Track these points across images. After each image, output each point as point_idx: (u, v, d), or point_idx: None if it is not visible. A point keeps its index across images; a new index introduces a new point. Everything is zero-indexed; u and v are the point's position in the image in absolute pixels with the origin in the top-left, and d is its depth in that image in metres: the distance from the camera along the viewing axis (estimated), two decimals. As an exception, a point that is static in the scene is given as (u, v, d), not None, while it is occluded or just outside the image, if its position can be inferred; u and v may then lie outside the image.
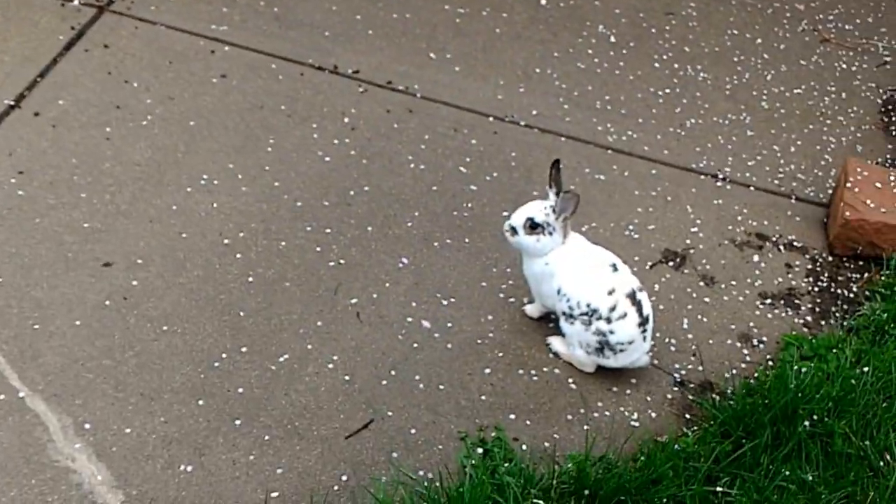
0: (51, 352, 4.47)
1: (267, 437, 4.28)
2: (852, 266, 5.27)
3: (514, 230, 4.56)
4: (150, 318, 4.65)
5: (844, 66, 6.51)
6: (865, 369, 4.53)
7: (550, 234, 4.51)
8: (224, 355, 4.54)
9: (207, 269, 4.88)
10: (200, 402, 4.36)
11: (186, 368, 4.48)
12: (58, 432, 4.21)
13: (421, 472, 4.22)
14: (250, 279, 4.86)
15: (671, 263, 5.16)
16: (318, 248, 5.03)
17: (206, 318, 4.68)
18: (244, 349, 4.57)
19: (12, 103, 5.53)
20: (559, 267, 4.54)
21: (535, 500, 3.98)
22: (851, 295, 5.13)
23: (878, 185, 5.28)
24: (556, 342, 4.71)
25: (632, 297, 4.47)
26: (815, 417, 4.34)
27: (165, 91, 5.76)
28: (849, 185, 5.27)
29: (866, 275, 5.22)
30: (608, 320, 4.46)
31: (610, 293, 4.45)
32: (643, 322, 4.49)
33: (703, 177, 5.66)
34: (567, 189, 4.46)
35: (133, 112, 5.61)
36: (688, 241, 5.28)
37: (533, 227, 4.51)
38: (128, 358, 4.48)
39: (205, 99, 5.75)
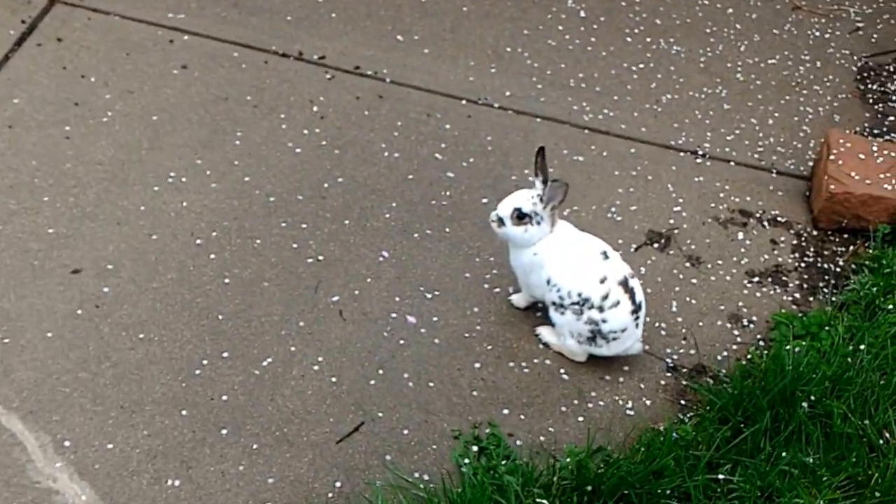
0: (23, 366, 4.29)
1: (255, 446, 4.14)
2: (837, 239, 5.19)
3: (500, 221, 4.42)
4: (124, 326, 4.48)
5: (817, 33, 6.41)
6: (861, 347, 4.45)
7: (538, 223, 4.39)
8: (205, 362, 4.39)
9: (181, 272, 4.71)
10: (184, 413, 4.21)
11: (166, 378, 4.32)
12: (36, 451, 4.04)
13: (416, 474, 4.09)
14: (227, 280, 4.69)
15: (656, 245, 5.06)
16: (295, 245, 4.87)
17: (184, 324, 4.51)
18: (225, 354, 4.42)
19: (-35, 104, 5.34)
20: (548, 257, 4.42)
21: (538, 500, 3.87)
22: (838, 269, 5.05)
23: (862, 156, 5.20)
24: (545, 332, 4.60)
25: (624, 284, 4.36)
26: (812, 398, 4.26)
27: (124, 85, 5.56)
28: (832, 157, 5.18)
29: (851, 248, 5.14)
30: (600, 309, 4.35)
31: (602, 281, 4.34)
32: (636, 309, 4.39)
33: (682, 154, 5.55)
34: (555, 178, 4.34)
35: (92, 108, 5.41)
36: (671, 221, 5.17)
37: (520, 217, 4.38)
38: (104, 369, 4.32)
39: (166, 92, 5.55)
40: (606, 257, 4.39)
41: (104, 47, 5.75)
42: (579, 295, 4.36)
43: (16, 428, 4.10)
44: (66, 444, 4.06)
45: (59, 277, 4.62)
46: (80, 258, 4.70)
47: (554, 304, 4.45)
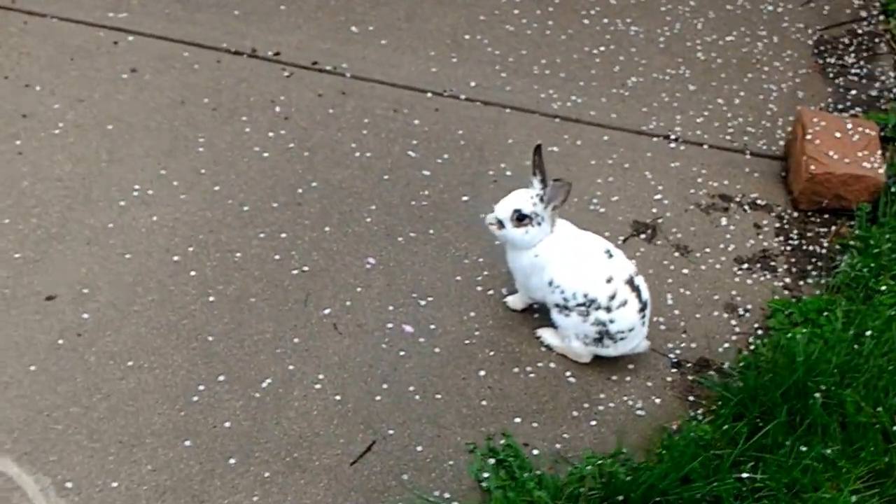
0: (10, 405, 4.04)
1: (267, 474, 3.95)
2: (818, 220, 5.16)
3: (500, 223, 4.29)
4: (111, 355, 4.25)
5: (770, 7, 6.36)
6: (867, 333, 4.43)
7: (539, 224, 4.27)
8: (201, 387, 4.18)
9: (162, 293, 4.48)
10: (187, 443, 4.01)
11: (163, 407, 4.11)
12: (38, 496, 3.81)
13: (437, 493, 3.96)
14: (211, 299, 4.49)
15: (643, 236, 4.98)
16: (277, 256, 4.68)
17: (173, 348, 4.30)
18: (222, 378, 4.22)
19: None
20: (550, 258, 4.31)
21: (571, 514, 3.79)
22: (823, 251, 5.03)
23: (838, 134, 5.18)
24: (547, 334, 4.49)
25: (630, 283, 4.27)
26: (823, 388, 4.23)
27: (73, 93, 5.28)
28: (808, 137, 5.15)
29: (833, 228, 5.13)
30: (608, 309, 4.26)
31: (608, 281, 4.24)
32: (643, 308, 4.31)
33: (655, 139, 5.47)
34: (557, 177, 4.23)
35: (42, 120, 5.12)
36: (654, 210, 5.09)
37: (520, 218, 4.25)
38: (96, 402, 4.09)
39: (118, 98, 5.29)
40: (610, 256, 4.30)
41: (45, 53, 5.45)
42: (585, 296, 4.26)
43: (11, 471, 3.86)
44: (68, 485, 3.84)
45: (34, 306, 4.37)
46: (52, 284, 4.45)
47: (557, 305, 4.35)
